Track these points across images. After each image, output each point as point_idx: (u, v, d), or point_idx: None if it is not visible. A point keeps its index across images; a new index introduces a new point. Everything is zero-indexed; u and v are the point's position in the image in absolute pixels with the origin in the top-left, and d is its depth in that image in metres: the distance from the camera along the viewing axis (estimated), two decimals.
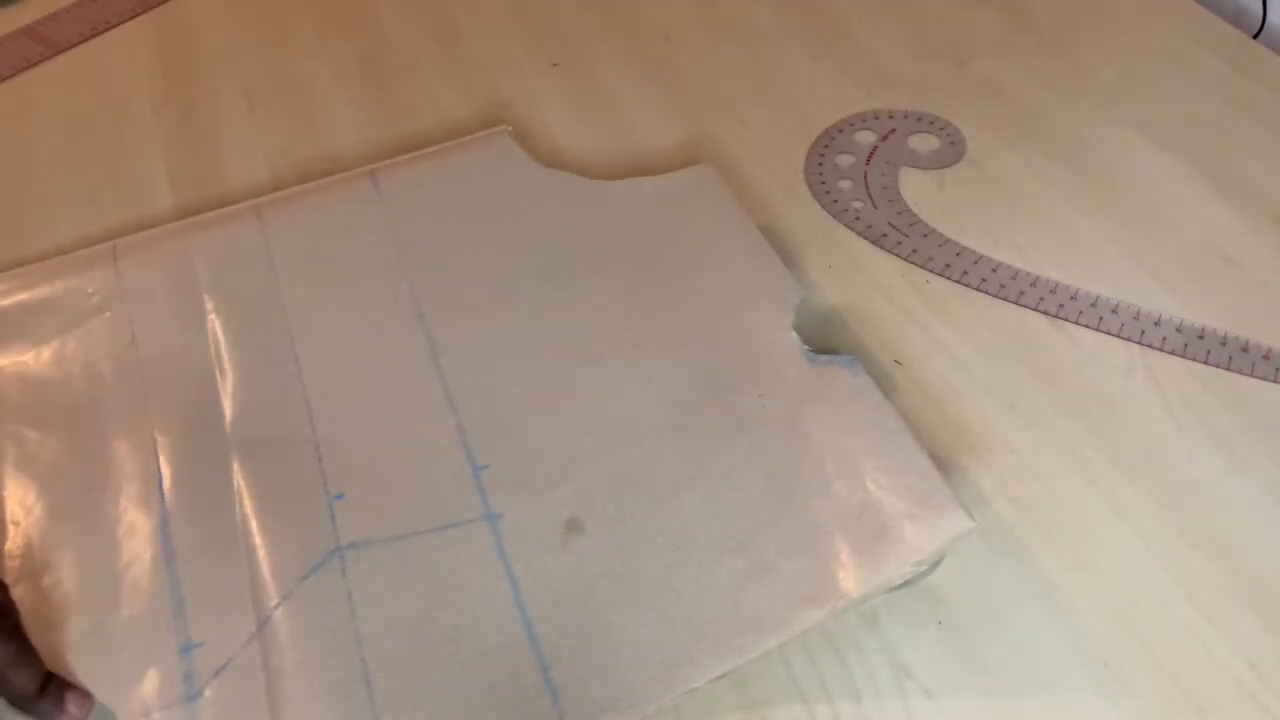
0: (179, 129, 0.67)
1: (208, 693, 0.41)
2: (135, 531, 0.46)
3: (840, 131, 0.64)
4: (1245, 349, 0.52)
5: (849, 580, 0.41)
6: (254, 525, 0.45)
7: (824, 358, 0.49)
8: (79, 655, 0.42)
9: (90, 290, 0.54)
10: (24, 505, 0.47)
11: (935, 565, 0.44)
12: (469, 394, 0.49)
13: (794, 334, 0.50)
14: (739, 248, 0.54)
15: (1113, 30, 0.70)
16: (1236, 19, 0.71)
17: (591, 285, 0.53)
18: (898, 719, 0.41)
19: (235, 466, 0.47)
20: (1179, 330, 0.53)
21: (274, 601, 0.43)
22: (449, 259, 0.55)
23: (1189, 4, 0.71)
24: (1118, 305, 0.54)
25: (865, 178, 0.62)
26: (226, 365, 0.51)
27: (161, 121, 0.67)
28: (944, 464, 0.47)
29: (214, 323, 0.53)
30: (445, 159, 0.61)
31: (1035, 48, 0.69)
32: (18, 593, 0.44)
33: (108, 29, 0.75)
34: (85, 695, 0.41)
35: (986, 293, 0.55)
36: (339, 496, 0.46)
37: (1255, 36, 0.71)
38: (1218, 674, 0.41)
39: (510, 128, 0.62)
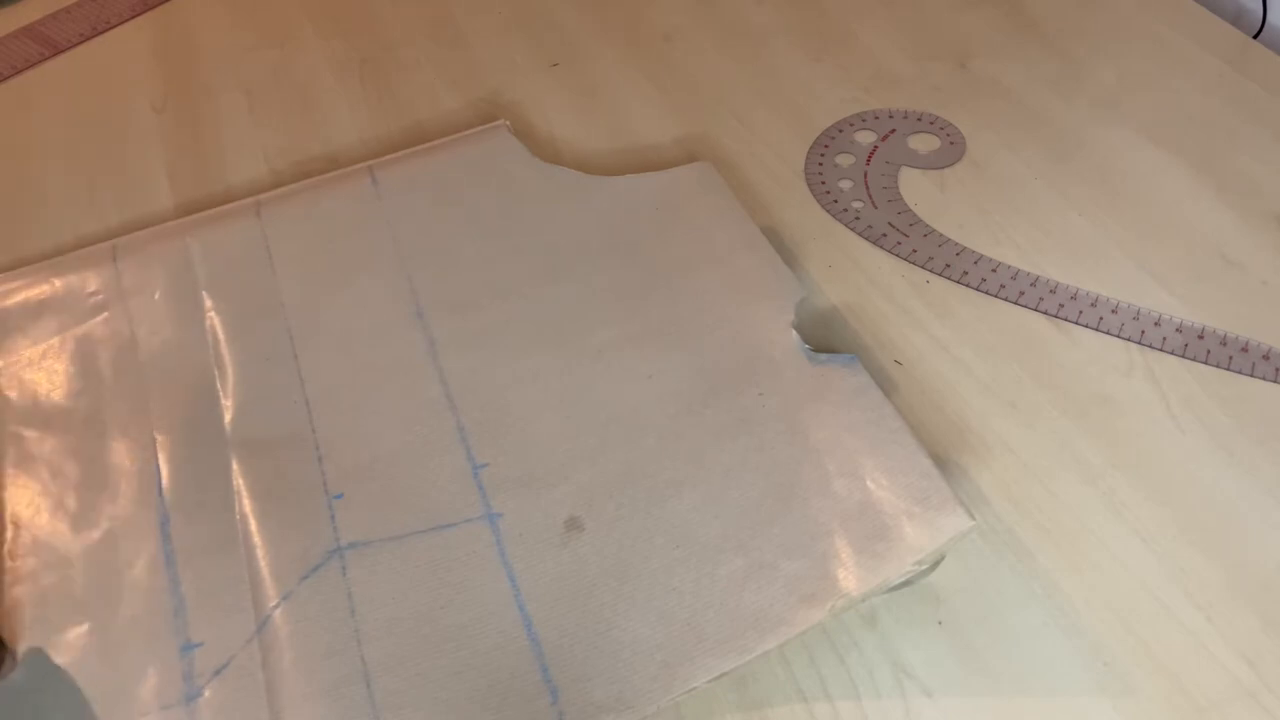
0: (179, 129, 0.67)
1: (207, 693, 0.41)
2: (135, 531, 0.46)
3: (840, 131, 0.64)
4: (1245, 349, 0.52)
5: (849, 579, 0.41)
6: (254, 525, 0.45)
7: (824, 357, 0.49)
8: (79, 655, 0.42)
9: (90, 290, 0.54)
10: (24, 505, 0.47)
11: (935, 565, 0.44)
12: (468, 392, 0.49)
13: (794, 333, 0.50)
14: (738, 245, 0.54)
15: (1113, 30, 0.70)
16: (1236, 19, 0.71)
17: (591, 281, 0.53)
18: (898, 719, 0.41)
19: (235, 466, 0.47)
20: (1179, 330, 0.53)
21: (274, 601, 0.43)
22: (448, 255, 0.55)
23: (1189, 4, 0.71)
24: (1118, 305, 0.54)
25: (865, 178, 0.62)
26: (226, 363, 0.51)
27: (161, 121, 0.67)
28: (944, 464, 0.47)
29: (213, 321, 0.53)
30: (443, 154, 0.61)
31: (1035, 48, 0.69)
32: (17, 593, 0.44)
33: (108, 29, 0.75)
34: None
35: (986, 292, 0.55)
36: (338, 496, 0.46)
37: (1255, 36, 0.71)
38: (1217, 674, 0.41)
39: (508, 122, 0.62)
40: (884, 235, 0.58)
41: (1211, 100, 0.64)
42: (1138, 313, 0.54)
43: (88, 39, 0.75)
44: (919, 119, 0.65)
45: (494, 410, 0.48)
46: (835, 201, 0.60)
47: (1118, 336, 0.53)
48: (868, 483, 0.44)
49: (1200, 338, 0.52)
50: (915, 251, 0.57)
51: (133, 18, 0.76)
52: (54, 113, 0.69)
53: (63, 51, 0.74)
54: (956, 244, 0.58)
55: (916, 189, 0.61)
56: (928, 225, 0.59)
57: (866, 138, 0.64)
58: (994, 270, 0.56)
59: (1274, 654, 0.41)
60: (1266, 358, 0.51)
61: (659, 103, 0.67)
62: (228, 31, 0.74)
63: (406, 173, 0.59)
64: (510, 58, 0.71)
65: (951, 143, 0.63)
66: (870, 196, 0.60)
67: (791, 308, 0.51)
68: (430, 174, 0.59)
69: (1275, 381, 0.50)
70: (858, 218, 0.59)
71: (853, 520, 0.43)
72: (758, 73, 0.69)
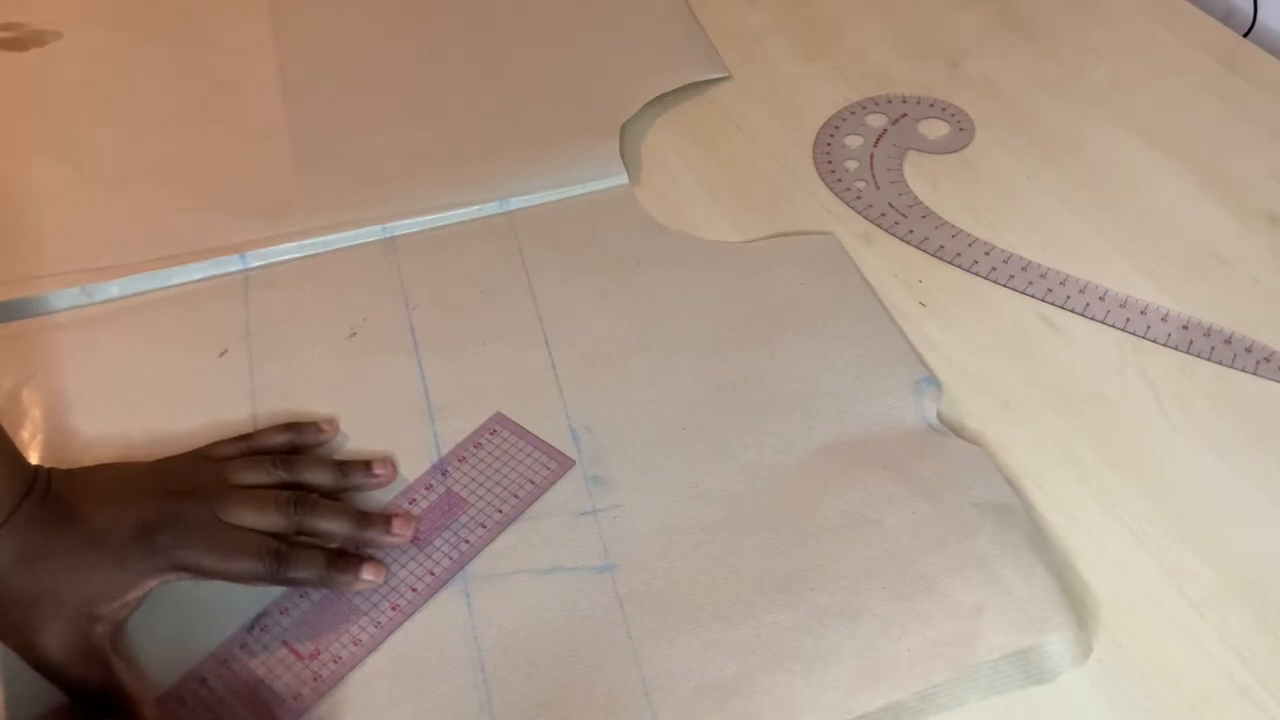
0: None
1: None
2: None
3: (852, 114, 0.65)
4: (1244, 347, 0.52)
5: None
6: None
7: (953, 443, 0.48)
8: None
9: None
10: None
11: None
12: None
13: (920, 416, 0.49)
14: (862, 320, 0.54)
15: (1104, 29, 0.71)
16: (1227, 17, 0.72)
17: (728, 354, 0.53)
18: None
19: None
20: (1169, 325, 0.53)
21: None
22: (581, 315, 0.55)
23: (1180, 3, 0.72)
24: (1106, 292, 0.55)
25: (871, 160, 0.62)
26: None
27: None
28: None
29: None
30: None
31: (1027, 47, 0.70)
32: None
33: None
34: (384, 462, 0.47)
35: (977, 274, 0.56)
36: None
37: (1245, 35, 0.72)
38: (1210, 670, 0.41)
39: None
40: (883, 215, 0.59)
41: (1203, 98, 0.65)
42: (1125, 300, 0.54)
43: None
44: (931, 105, 0.66)
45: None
46: (839, 180, 0.61)
47: (1107, 324, 0.53)
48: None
49: (1188, 331, 0.53)
50: (911, 232, 0.58)
51: None
52: None
53: None
54: (952, 226, 0.58)
55: (920, 174, 0.61)
56: (926, 208, 0.59)
57: (878, 120, 0.65)
58: (986, 253, 0.57)
59: (1266, 650, 0.42)
60: (1250, 350, 0.52)
61: None
62: None
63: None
64: None
65: (961, 129, 0.64)
66: (874, 177, 0.61)
67: (912, 386, 0.50)
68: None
69: (1260, 375, 0.51)
70: (859, 197, 0.60)
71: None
72: (757, 72, 0.69)
